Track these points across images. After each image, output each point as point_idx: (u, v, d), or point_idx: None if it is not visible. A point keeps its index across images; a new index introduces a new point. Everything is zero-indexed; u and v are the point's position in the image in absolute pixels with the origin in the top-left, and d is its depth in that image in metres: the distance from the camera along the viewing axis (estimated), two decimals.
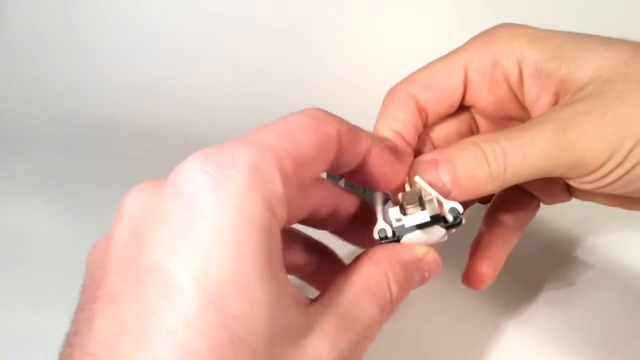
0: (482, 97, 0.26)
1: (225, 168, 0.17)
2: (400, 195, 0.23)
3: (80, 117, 0.69)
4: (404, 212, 0.23)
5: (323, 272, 0.29)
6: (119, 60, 0.77)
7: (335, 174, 0.23)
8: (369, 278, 0.21)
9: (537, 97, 0.24)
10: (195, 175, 0.18)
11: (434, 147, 0.28)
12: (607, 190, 0.23)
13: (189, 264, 0.16)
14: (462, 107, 0.28)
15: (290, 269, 0.28)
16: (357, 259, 0.23)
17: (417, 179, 0.23)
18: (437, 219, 0.22)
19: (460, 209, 0.23)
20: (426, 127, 0.27)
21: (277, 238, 0.18)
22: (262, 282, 0.17)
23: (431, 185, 0.23)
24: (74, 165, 0.58)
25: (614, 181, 0.22)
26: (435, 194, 0.23)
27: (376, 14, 0.71)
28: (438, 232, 0.23)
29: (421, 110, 0.26)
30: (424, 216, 0.22)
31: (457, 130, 0.28)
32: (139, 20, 0.79)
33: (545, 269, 0.40)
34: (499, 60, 0.24)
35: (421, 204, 0.23)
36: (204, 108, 0.70)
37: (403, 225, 0.23)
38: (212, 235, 0.16)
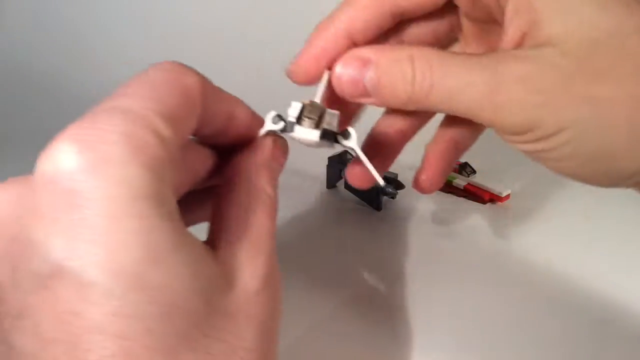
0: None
1: (97, 144, 0.16)
2: (308, 101, 0.23)
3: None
4: (299, 121, 0.23)
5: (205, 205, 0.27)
6: (119, 60, 0.77)
7: (199, 135, 0.23)
8: (249, 196, 0.21)
9: (509, 23, 0.22)
10: (66, 160, 0.16)
11: (400, 42, 0.27)
12: (531, 157, 0.23)
13: (92, 255, 0.15)
14: (447, 6, 0.26)
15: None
16: (225, 183, 0.22)
17: (325, 75, 0.24)
18: (326, 135, 0.23)
19: (352, 134, 0.24)
20: (402, 22, 0.26)
21: (172, 201, 0.17)
22: (173, 247, 0.16)
23: (350, 83, 0.23)
24: None
25: (532, 152, 0.22)
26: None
27: None
28: (317, 145, 0.24)
29: (394, 9, 0.24)
30: (314, 135, 0.23)
31: (433, 31, 0.27)
32: (139, 19, 0.79)
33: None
34: None
35: (318, 123, 0.23)
36: None
37: (292, 127, 0.23)
38: (104, 219, 0.15)
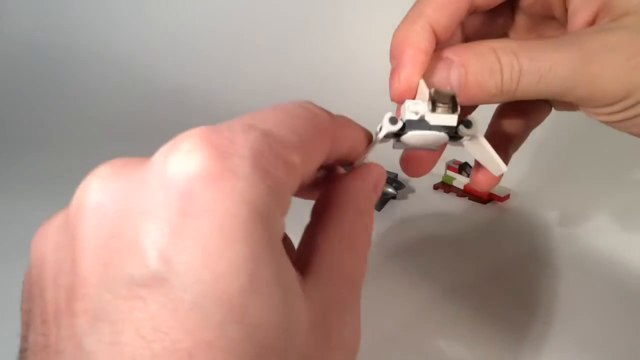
0: None
1: (227, 155, 0.15)
2: (432, 91, 0.22)
3: (80, 115, 0.69)
4: (433, 108, 0.22)
5: None
6: (119, 61, 0.77)
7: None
8: (347, 232, 0.20)
9: (578, 10, 0.22)
10: (192, 160, 0.15)
11: (463, 36, 0.27)
12: (617, 127, 0.23)
13: (196, 273, 0.14)
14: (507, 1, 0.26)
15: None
16: (326, 209, 0.21)
17: (421, 82, 0.23)
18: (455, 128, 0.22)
19: (474, 122, 0.22)
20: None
21: (282, 231, 0.16)
22: (278, 282, 0.15)
23: (439, 85, 0.22)
24: (73, 164, 0.58)
25: (622, 121, 0.22)
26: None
27: (379, 9, 0.71)
28: (441, 139, 0.23)
29: (470, 4, 0.24)
30: (453, 120, 0.22)
31: (490, 25, 0.27)
32: (139, 19, 0.79)
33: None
34: None
35: (454, 107, 0.22)
36: (204, 106, 0.70)
37: (421, 121, 0.22)
38: (218, 237, 0.14)
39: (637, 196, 0.49)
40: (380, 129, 0.23)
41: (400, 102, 0.23)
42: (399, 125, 0.23)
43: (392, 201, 0.50)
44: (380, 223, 0.47)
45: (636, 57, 0.20)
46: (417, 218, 0.48)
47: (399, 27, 0.23)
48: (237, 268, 0.14)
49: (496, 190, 0.49)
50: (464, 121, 0.23)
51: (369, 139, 0.23)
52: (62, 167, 0.57)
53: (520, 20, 0.27)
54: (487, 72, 0.22)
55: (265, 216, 0.15)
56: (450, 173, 0.51)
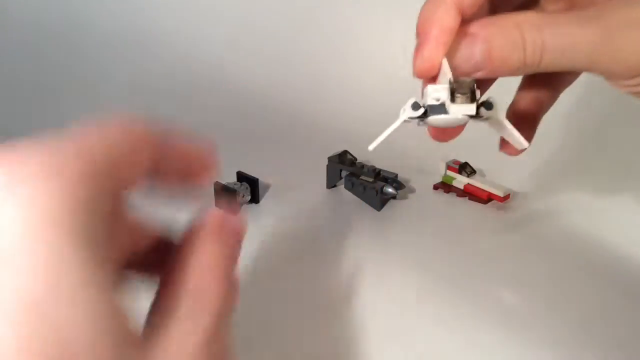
0: None
1: (15, 164, 0.15)
2: (452, 80, 0.23)
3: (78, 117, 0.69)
4: (453, 98, 0.23)
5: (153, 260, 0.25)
6: (116, 60, 0.77)
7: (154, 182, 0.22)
8: (205, 265, 0.20)
9: None
10: None
11: (491, 6, 0.27)
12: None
13: None
14: None
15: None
16: (184, 245, 0.21)
17: (444, 61, 0.24)
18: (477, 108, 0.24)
19: (495, 104, 0.24)
20: None
21: (97, 238, 0.15)
22: (83, 285, 0.14)
23: (464, 60, 0.23)
24: None
25: None
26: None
27: (386, 10, 0.71)
28: (463, 121, 0.24)
29: None
30: (472, 109, 0.23)
31: None
32: (139, 19, 0.79)
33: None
34: None
35: (472, 96, 0.23)
36: (203, 107, 0.70)
37: (442, 106, 0.24)
38: (16, 244, 0.14)
39: (637, 196, 0.49)
40: (404, 111, 0.25)
41: (422, 78, 0.25)
42: (421, 111, 0.24)
43: (392, 201, 0.50)
44: (380, 223, 0.47)
45: None
46: (417, 218, 0.48)
47: (424, 5, 0.24)
48: (35, 273, 0.14)
49: (496, 191, 0.49)
50: (485, 103, 0.24)
51: (209, 168, 0.23)
52: None
53: None
54: (511, 47, 0.22)
55: (62, 218, 0.14)
56: (450, 173, 0.51)
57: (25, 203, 0.14)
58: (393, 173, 0.50)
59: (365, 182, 0.49)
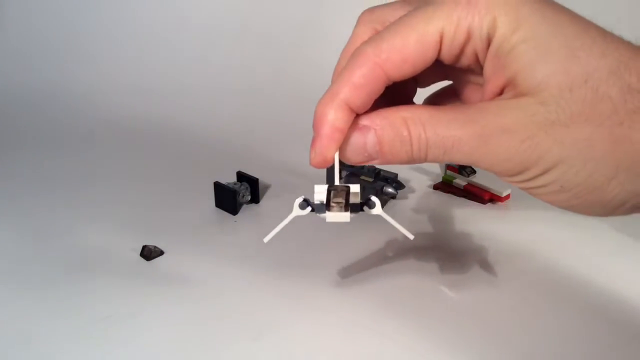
0: (449, 59, 0.25)
1: None
2: (328, 189, 0.27)
3: (79, 117, 0.69)
4: (328, 206, 0.27)
5: None
6: (118, 61, 0.77)
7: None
8: None
9: (489, 79, 0.24)
10: None
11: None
12: (530, 193, 0.24)
13: None
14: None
15: None
16: None
17: (336, 156, 0.26)
18: (354, 210, 0.27)
19: (377, 203, 0.29)
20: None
21: None
22: None
23: (356, 152, 0.25)
24: (71, 164, 0.58)
25: (529, 189, 0.24)
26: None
27: None
28: (346, 219, 0.27)
29: (384, 78, 0.25)
30: (345, 218, 0.27)
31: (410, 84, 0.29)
32: (139, 20, 0.79)
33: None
34: (473, 34, 0.23)
35: (346, 205, 0.27)
36: (204, 107, 0.70)
37: (322, 209, 0.27)
38: None
39: None
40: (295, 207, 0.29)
41: (318, 168, 0.27)
42: (307, 210, 0.29)
43: (392, 201, 0.50)
44: (380, 223, 0.47)
45: (529, 140, 0.22)
46: (417, 218, 0.48)
47: (319, 101, 0.25)
48: None
49: (496, 191, 0.49)
50: (368, 201, 0.29)
51: None
52: (62, 167, 0.57)
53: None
54: (399, 142, 0.24)
55: None
56: (450, 173, 0.51)
57: None
58: (393, 173, 0.49)
59: (365, 182, 0.49)
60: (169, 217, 0.47)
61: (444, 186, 0.52)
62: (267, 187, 0.52)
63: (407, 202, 0.50)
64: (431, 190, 0.52)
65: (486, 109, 0.23)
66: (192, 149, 0.61)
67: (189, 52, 0.77)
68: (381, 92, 0.25)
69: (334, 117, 0.25)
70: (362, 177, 0.49)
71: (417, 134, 0.24)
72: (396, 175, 0.49)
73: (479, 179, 0.50)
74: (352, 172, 0.50)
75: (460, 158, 0.24)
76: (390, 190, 0.47)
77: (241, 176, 0.50)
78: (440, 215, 0.48)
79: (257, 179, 0.49)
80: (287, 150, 0.59)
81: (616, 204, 0.23)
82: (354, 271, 0.40)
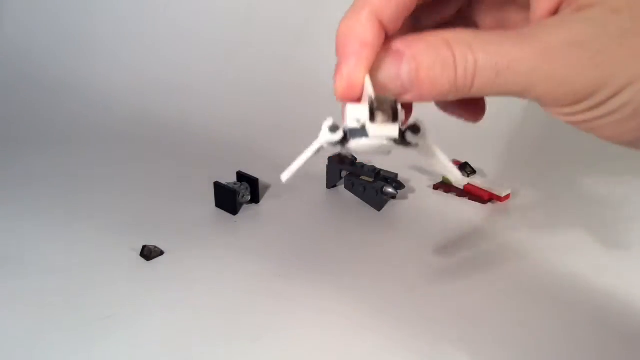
0: None
1: None
2: (373, 97, 0.21)
3: (78, 117, 0.69)
4: (372, 117, 0.21)
5: None
6: (118, 61, 0.77)
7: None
8: None
9: None
10: None
11: (415, 28, 0.24)
12: (583, 127, 0.21)
13: None
14: None
15: None
16: None
17: (367, 80, 0.21)
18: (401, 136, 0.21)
19: (422, 127, 0.21)
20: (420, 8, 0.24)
21: None
22: None
23: (389, 81, 0.21)
24: (71, 164, 0.58)
25: (588, 121, 0.21)
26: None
27: None
28: (387, 147, 0.21)
29: None
30: (394, 130, 0.21)
31: (444, 9, 0.25)
32: (138, 20, 0.79)
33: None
34: None
35: (394, 115, 0.21)
36: (204, 107, 0.70)
37: (362, 129, 0.21)
38: None
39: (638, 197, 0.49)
40: (322, 134, 0.21)
41: (345, 100, 0.22)
42: (339, 134, 0.21)
43: (392, 201, 0.50)
44: (380, 223, 0.47)
45: (601, 54, 0.19)
46: (417, 218, 0.48)
47: (343, 18, 0.22)
48: None
49: (496, 191, 0.49)
50: (412, 126, 0.21)
51: None
52: (61, 167, 0.57)
53: (479, 5, 0.25)
54: (440, 66, 0.20)
55: None
56: None
57: None
58: (393, 173, 0.49)
59: (365, 182, 0.49)
60: (169, 217, 0.47)
61: (444, 186, 0.52)
62: (267, 187, 0.52)
63: (407, 202, 0.50)
64: (431, 190, 0.52)
65: (546, 25, 0.20)
66: (192, 149, 0.61)
67: (189, 52, 0.77)
68: (413, 6, 0.21)
69: (363, 31, 0.21)
70: (362, 177, 0.49)
71: (463, 54, 0.20)
72: (396, 175, 0.49)
73: (478, 179, 0.50)
74: (352, 171, 0.50)
75: (516, 81, 0.20)
76: (390, 190, 0.47)
77: (241, 176, 0.50)
78: (440, 215, 0.48)
79: (257, 179, 0.49)
80: (287, 151, 0.59)
81: None
82: (353, 271, 0.40)
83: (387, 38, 0.21)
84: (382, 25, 0.21)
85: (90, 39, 0.79)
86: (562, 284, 0.39)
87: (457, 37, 0.20)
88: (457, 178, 0.24)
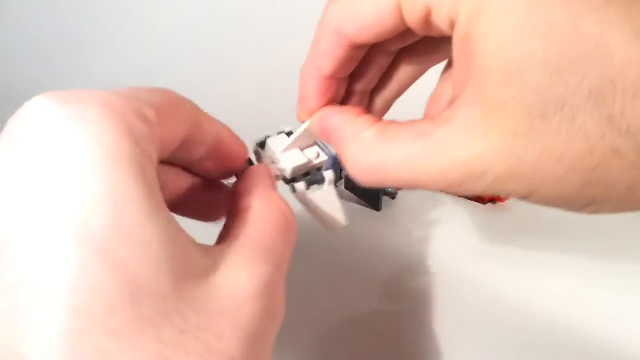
0: (420, 31, 0.22)
1: (75, 103, 0.15)
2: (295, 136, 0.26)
3: None
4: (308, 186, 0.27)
5: (207, 204, 0.27)
6: (117, 61, 0.77)
7: (190, 158, 0.23)
8: (265, 212, 0.21)
9: (455, 65, 0.20)
10: (44, 106, 0.15)
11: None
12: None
13: (55, 217, 0.13)
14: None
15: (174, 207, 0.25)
16: (238, 189, 0.22)
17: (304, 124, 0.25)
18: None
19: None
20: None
21: (153, 175, 0.16)
22: (145, 220, 0.14)
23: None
24: None
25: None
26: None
27: None
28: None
29: (347, 43, 0.23)
30: (286, 172, 0.27)
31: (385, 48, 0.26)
32: (138, 20, 0.79)
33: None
34: (433, 10, 0.19)
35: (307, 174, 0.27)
36: (204, 107, 0.70)
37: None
38: (71, 176, 0.14)
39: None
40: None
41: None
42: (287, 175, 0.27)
43: (391, 201, 0.50)
44: (380, 223, 0.47)
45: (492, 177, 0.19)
46: (416, 218, 0.48)
47: (305, 60, 0.25)
48: (94, 205, 0.14)
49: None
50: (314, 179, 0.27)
51: (242, 149, 0.25)
52: None
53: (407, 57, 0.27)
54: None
55: (122, 156, 0.15)
56: None
57: (88, 141, 0.14)
58: None
59: None
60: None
61: None
62: None
63: (407, 202, 0.50)
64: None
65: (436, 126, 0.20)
66: None
67: (189, 52, 0.77)
68: (356, 55, 0.23)
69: (301, 85, 0.25)
70: None
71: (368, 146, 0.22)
72: None
73: None
74: None
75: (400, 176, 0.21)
76: (390, 190, 0.47)
77: None
78: (440, 215, 0.48)
79: None
80: None
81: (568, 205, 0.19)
82: (353, 271, 0.40)
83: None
84: (325, 76, 0.24)
85: (90, 39, 0.79)
86: (563, 283, 0.39)
87: (371, 132, 0.22)
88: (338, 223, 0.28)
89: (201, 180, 0.25)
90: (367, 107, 0.28)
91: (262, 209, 0.21)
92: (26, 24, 0.80)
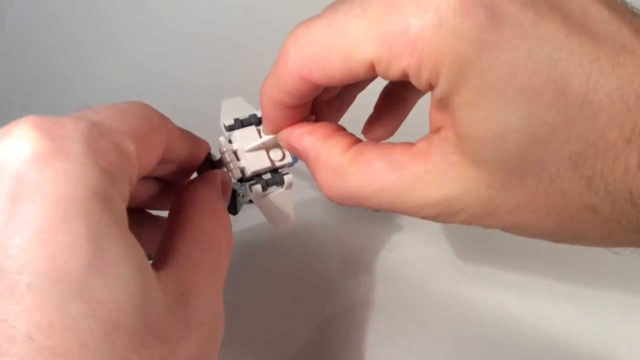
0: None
1: (57, 137, 0.15)
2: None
3: None
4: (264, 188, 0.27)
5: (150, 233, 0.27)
6: (117, 61, 0.77)
7: (151, 175, 0.23)
8: (202, 229, 0.21)
9: (432, 115, 0.20)
10: (21, 144, 0.15)
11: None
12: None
13: (33, 256, 0.14)
14: None
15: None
16: (181, 208, 0.22)
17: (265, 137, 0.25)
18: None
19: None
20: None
21: (123, 211, 0.16)
22: (120, 259, 0.15)
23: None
24: None
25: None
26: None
27: None
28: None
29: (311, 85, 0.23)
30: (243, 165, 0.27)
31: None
32: (138, 20, 0.79)
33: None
34: (410, 76, 0.18)
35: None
36: (204, 107, 0.70)
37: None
38: (52, 216, 0.14)
39: None
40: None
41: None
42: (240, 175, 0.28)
43: None
44: (379, 222, 0.47)
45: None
46: (416, 218, 0.47)
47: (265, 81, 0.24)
48: (74, 246, 0.14)
49: None
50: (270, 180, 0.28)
51: (205, 149, 0.26)
52: None
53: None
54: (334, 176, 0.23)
55: (102, 196, 0.15)
56: None
57: (69, 180, 0.15)
58: None
59: None
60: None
61: None
62: None
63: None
64: None
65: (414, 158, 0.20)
66: None
67: (189, 52, 0.77)
68: (317, 90, 0.23)
69: (264, 110, 0.25)
70: None
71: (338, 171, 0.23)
72: None
73: None
74: None
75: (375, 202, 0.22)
76: None
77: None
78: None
79: None
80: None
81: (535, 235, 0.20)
82: (353, 271, 0.40)
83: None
84: (285, 106, 0.23)
85: (90, 39, 0.79)
86: (562, 283, 0.39)
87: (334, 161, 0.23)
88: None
89: (164, 182, 0.26)
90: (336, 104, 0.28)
91: (208, 228, 0.21)
92: (26, 24, 0.80)
